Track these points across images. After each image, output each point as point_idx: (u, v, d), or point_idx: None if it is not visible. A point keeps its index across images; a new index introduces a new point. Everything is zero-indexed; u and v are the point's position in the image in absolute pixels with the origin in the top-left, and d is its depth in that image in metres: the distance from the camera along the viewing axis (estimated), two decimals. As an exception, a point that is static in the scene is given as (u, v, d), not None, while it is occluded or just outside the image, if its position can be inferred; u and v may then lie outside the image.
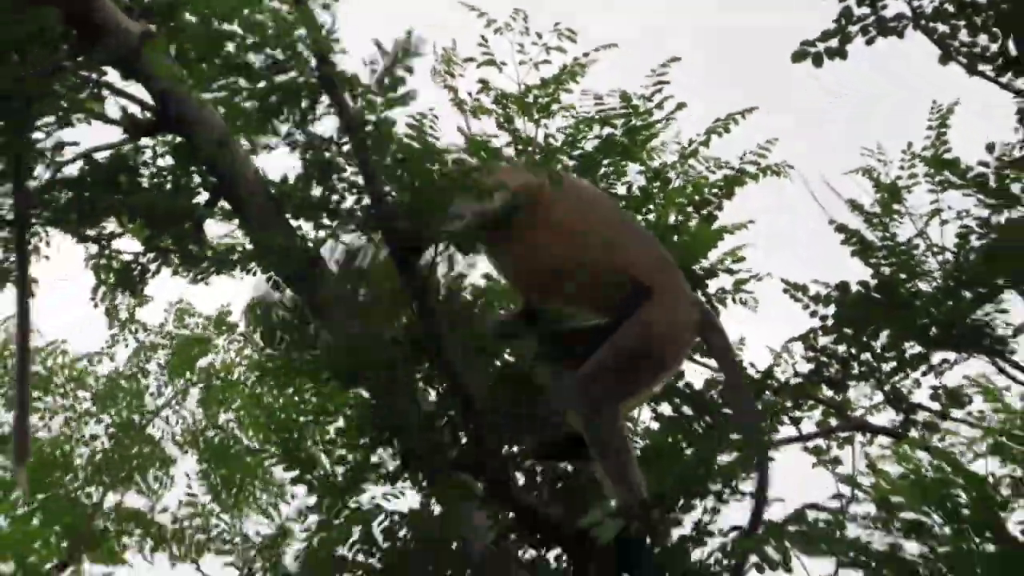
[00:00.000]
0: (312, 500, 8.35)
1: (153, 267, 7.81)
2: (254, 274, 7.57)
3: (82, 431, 14.79)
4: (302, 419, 8.60)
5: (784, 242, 10.66)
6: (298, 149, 6.92)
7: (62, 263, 8.23)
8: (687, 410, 8.52)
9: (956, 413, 8.61)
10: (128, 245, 7.96)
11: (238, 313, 14.66)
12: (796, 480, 8.34)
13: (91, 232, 7.70)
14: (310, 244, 7.26)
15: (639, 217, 8.62)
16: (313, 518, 8.28)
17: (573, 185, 6.94)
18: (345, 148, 6.68)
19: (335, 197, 6.88)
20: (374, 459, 7.72)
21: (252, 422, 13.86)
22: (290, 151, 6.93)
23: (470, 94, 8.93)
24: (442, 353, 6.70)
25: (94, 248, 7.98)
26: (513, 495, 7.27)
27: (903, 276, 8.95)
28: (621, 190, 8.77)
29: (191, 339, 14.63)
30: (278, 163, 7.12)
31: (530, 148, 8.68)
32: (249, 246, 7.50)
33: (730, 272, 8.55)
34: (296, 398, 8.83)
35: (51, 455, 14.38)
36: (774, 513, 7.16)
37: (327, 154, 6.81)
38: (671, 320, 6.60)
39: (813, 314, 8.95)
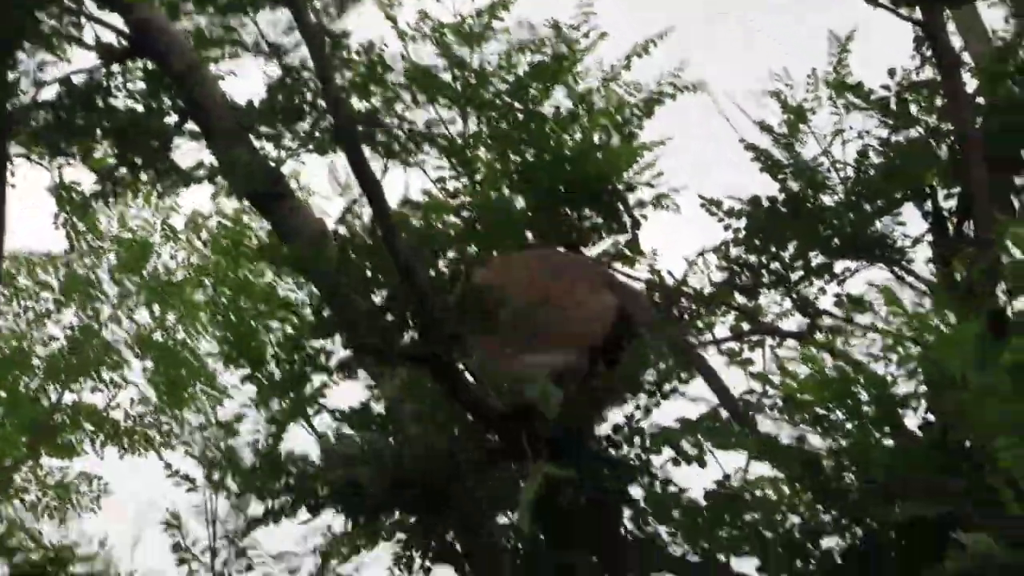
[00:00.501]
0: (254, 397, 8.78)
1: (125, 180, 8.18)
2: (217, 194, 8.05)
3: (42, 331, 15.13)
4: (253, 321, 8.96)
5: (705, 162, 11.08)
6: (264, 56, 7.35)
7: (25, 193, 8.60)
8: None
9: (859, 319, 9.04)
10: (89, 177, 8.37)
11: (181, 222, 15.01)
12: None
13: (65, 150, 8.05)
14: (272, 163, 7.67)
15: (565, 136, 9.12)
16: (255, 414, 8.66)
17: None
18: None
19: (297, 112, 7.34)
20: (326, 349, 8.20)
21: (196, 321, 14.22)
22: (256, 58, 7.34)
23: (408, 24, 9.36)
24: (394, 249, 7.16)
25: (57, 177, 8.37)
26: (461, 386, 7.75)
27: (809, 191, 9.40)
28: (549, 111, 9.26)
29: (134, 241, 14.90)
30: (244, 90, 7.59)
31: (465, 72, 9.14)
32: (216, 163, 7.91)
33: (650, 186, 9.09)
34: (248, 300, 9.20)
35: (12, 355, 14.73)
36: (691, 412, 7.69)
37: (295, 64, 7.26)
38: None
39: (727, 227, 9.39)
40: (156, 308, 14.80)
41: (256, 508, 8.04)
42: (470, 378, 7.82)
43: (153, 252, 14.99)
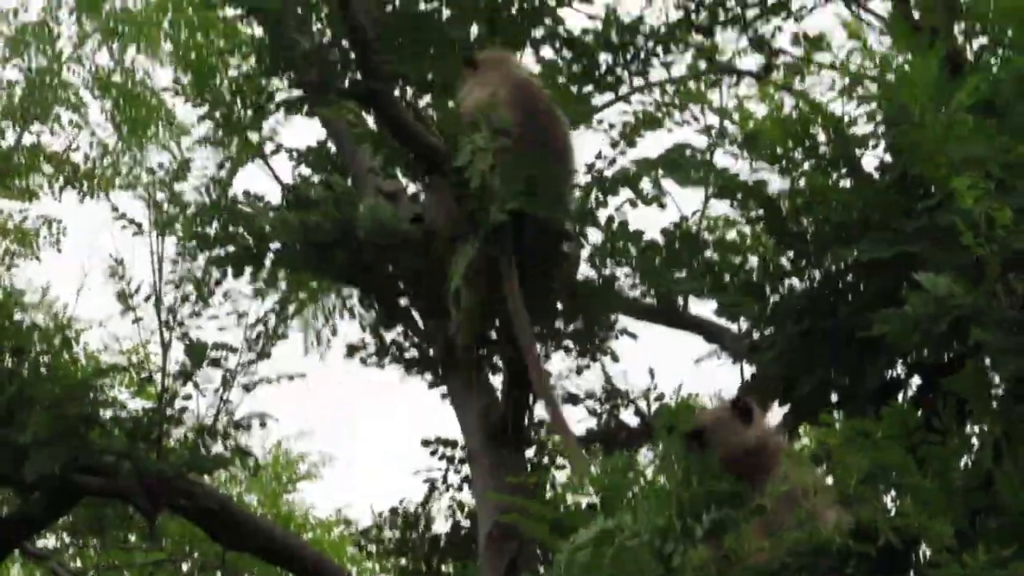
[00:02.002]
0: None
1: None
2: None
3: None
4: (212, 58, 8.88)
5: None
6: None
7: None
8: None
9: (818, 57, 8.96)
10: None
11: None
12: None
13: None
14: None
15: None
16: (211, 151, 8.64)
17: None
18: None
19: None
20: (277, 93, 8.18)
21: (157, 55, 14.08)
22: None
23: None
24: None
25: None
26: (401, 124, 7.76)
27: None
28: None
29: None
30: None
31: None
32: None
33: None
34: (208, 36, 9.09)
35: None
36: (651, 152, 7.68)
37: None
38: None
39: (682, -36, 9.22)
40: (115, 48, 14.58)
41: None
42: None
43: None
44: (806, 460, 5.90)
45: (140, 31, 14.42)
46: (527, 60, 8.93)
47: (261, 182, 8.97)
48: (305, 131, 12.06)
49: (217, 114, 8.83)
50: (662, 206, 7.91)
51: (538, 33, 8.86)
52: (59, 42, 14.89)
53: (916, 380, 6.65)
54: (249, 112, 8.56)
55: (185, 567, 11.83)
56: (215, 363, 7.36)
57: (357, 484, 18.22)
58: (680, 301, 8.14)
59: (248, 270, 8.00)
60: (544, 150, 7.82)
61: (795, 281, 6.83)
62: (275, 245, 8.08)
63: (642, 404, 8.56)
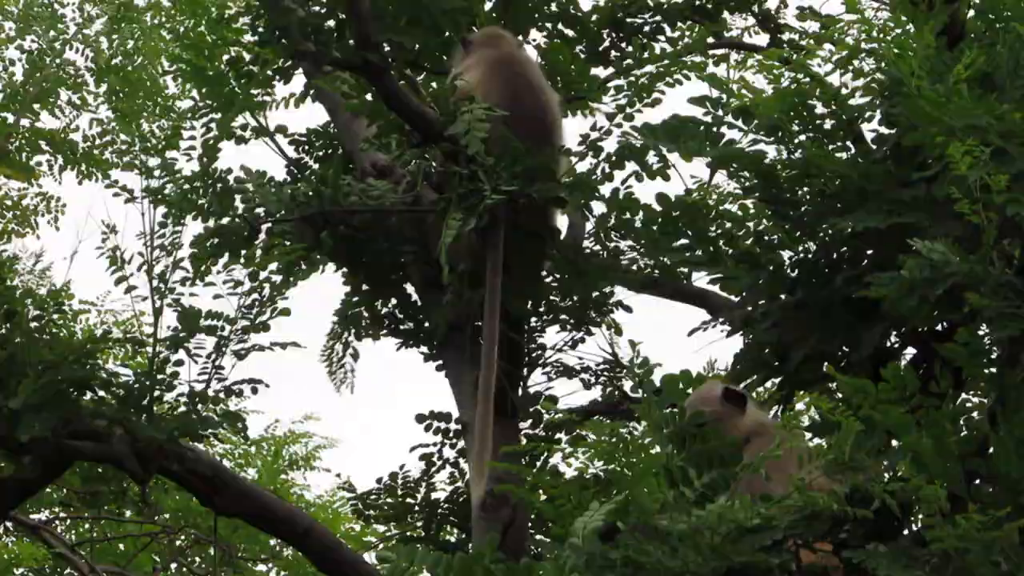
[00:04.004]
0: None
1: None
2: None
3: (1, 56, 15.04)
4: (210, 37, 8.91)
5: None
6: None
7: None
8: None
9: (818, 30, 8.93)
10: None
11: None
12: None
13: None
14: None
15: None
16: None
17: None
18: None
19: None
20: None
21: (155, 47, 14.13)
22: None
23: None
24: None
25: None
26: (394, 93, 7.77)
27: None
28: None
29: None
30: None
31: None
32: None
33: None
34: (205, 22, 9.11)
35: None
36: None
37: None
38: None
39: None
40: (115, 37, 14.64)
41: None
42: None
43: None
44: (799, 428, 5.90)
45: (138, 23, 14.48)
46: (535, 36, 9.00)
47: (268, 161, 8.96)
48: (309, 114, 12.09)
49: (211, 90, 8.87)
50: (666, 178, 7.93)
51: (550, 7, 8.87)
52: (62, 24, 14.94)
53: (911, 351, 6.69)
54: (243, 81, 8.57)
55: (178, 542, 11.93)
56: (210, 331, 7.34)
57: (357, 465, 18.28)
58: (680, 272, 8.14)
59: (239, 245, 8.02)
60: (533, 128, 7.84)
61: (791, 252, 6.83)
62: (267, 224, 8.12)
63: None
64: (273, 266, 7.43)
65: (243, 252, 7.94)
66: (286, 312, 7.42)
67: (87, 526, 12.34)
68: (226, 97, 8.78)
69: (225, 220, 8.12)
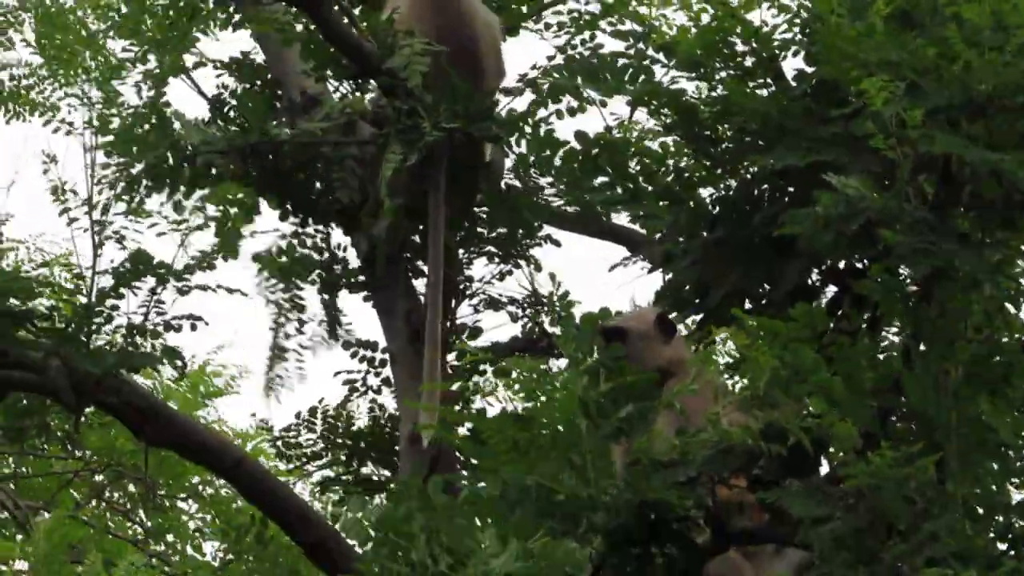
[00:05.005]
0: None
1: None
2: None
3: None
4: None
5: None
6: None
7: None
8: None
9: None
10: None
11: None
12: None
13: None
14: None
15: None
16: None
17: None
18: None
19: None
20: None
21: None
22: None
23: None
24: None
25: None
26: (333, 27, 7.73)
27: None
28: None
29: None
30: None
31: None
32: None
33: None
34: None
35: None
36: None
37: None
38: None
39: None
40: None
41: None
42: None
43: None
44: (715, 364, 5.93)
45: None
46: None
47: (186, 99, 8.86)
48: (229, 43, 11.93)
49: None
50: (582, 112, 7.95)
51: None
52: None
53: (832, 289, 6.73)
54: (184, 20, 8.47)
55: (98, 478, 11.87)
56: (158, 276, 7.32)
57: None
58: (600, 210, 8.14)
59: (167, 183, 7.97)
60: (462, 59, 7.81)
61: (711, 190, 6.84)
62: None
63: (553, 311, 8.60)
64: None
65: (180, 188, 7.89)
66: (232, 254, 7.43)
67: (9, 460, 12.28)
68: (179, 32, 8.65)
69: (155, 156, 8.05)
